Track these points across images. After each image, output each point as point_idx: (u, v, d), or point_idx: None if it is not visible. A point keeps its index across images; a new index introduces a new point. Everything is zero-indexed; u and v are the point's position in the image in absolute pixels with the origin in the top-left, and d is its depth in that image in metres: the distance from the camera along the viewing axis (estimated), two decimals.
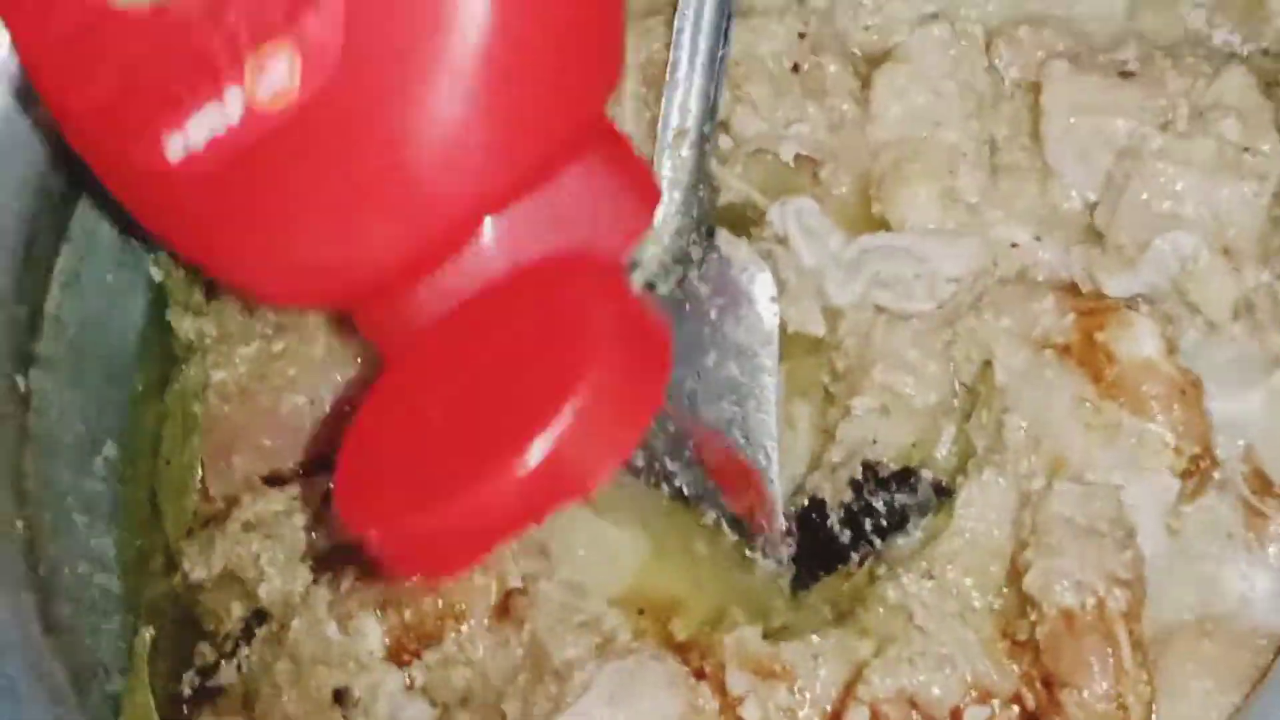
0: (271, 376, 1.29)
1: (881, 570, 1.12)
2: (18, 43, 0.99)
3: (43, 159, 1.27)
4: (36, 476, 1.27)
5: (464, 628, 1.17)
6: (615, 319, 0.90)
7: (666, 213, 1.19)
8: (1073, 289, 1.13)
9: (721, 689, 1.11)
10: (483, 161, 0.92)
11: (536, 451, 0.85)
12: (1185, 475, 1.07)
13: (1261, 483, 1.08)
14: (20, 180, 1.26)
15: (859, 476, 1.15)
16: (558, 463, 0.86)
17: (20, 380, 1.27)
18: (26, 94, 1.23)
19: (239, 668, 1.22)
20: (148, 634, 1.26)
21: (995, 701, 1.06)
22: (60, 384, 1.31)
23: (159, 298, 1.36)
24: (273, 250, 0.96)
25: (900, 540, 1.13)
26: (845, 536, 1.15)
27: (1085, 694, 1.02)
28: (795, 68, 1.22)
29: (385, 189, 0.91)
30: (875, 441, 1.15)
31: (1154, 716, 1.03)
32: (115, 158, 0.98)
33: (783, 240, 1.19)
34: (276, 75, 0.88)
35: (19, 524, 1.23)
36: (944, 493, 1.12)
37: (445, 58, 0.88)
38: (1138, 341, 1.09)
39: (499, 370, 0.93)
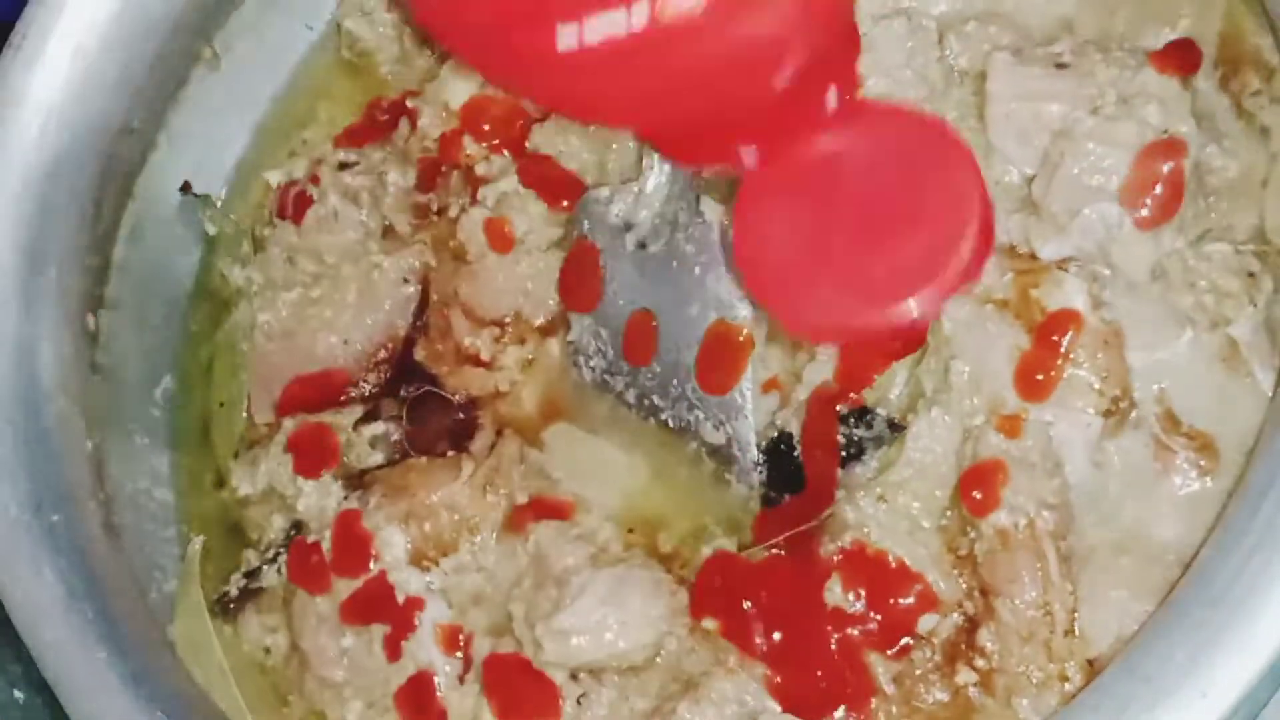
0: (309, 319, 1.29)
1: (840, 494, 1.11)
2: None
3: (111, 131, 1.27)
4: (104, 404, 1.27)
5: (477, 539, 1.18)
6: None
7: (658, 182, 1.19)
8: (1011, 251, 1.12)
9: None
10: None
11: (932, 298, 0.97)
12: (1107, 414, 1.06)
13: (1171, 422, 1.07)
14: (91, 150, 1.26)
15: None
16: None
17: (91, 320, 1.27)
18: (93, 76, 1.24)
19: (279, 571, 1.23)
20: (199, 541, 1.27)
21: (941, 608, 1.06)
22: (125, 323, 1.31)
23: (212, 249, 1.36)
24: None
25: (858, 469, 1.12)
26: None
27: (1017, 602, 1.03)
28: None
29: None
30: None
31: (1076, 622, 1.03)
32: (494, 36, 0.93)
33: None
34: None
35: (89, 444, 1.23)
36: (896, 428, 1.12)
37: None
38: (1067, 297, 1.08)
39: (881, 196, 1.02)
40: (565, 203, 1.23)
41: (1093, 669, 1.02)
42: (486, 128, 1.25)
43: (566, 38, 0.88)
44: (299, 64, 1.43)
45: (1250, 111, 1.13)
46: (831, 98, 1.00)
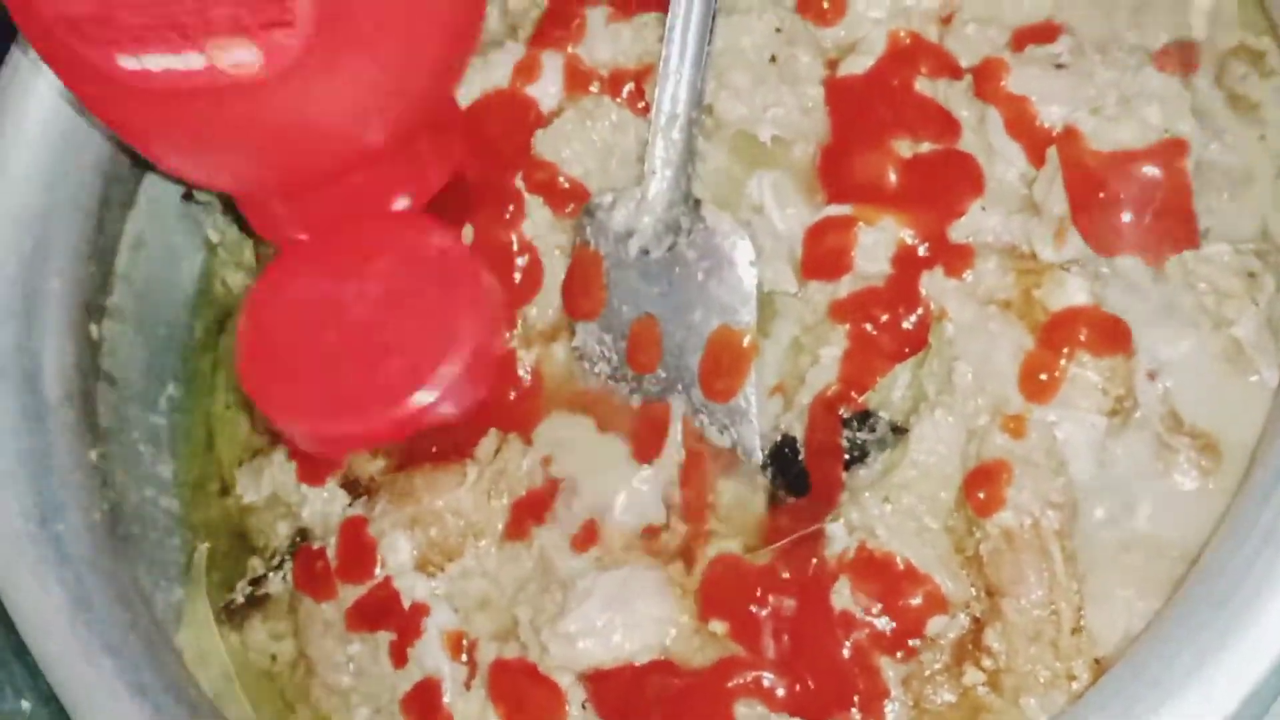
0: None
1: (845, 497, 1.11)
2: None
3: (112, 141, 1.26)
4: (108, 413, 1.27)
5: (482, 544, 1.17)
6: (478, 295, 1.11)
7: (659, 188, 1.19)
8: (1013, 252, 1.12)
9: None
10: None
11: (428, 394, 1.07)
12: (1111, 414, 1.06)
13: (1174, 422, 1.07)
14: (93, 159, 1.26)
15: None
16: (442, 399, 1.07)
17: (94, 329, 1.27)
18: None
19: (285, 579, 1.23)
20: (205, 549, 1.28)
21: (949, 609, 1.05)
22: (128, 332, 1.31)
23: (214, 256, 1.36)
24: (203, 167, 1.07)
25: (861, 471, 1.12)
26: None
27: (1023, 602, 1.02)
28: (773, 59, 1.21)
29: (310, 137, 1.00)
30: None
31: (1082, 621, 1.03)
32: (70, 53, 0.97)
33: (759, 209, 1.18)
34: (240, 55, 0.89)
35: (93, 454, 1.23)
36: (899, 431, 1.11)
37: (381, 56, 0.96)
38: (1070, 298, 1.08)
39: (384, 305, 1.10)
40: (570, 208, 1.22)
41: (1100, 667, 1.01)
42: (489, 133, 1.25)
43: (128, 61, 0.92)
44: None
45: (1241, 94, 1.13)
46: (401, 203, 1.11)
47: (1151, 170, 1.08)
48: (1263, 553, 0.90)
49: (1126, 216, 1.09)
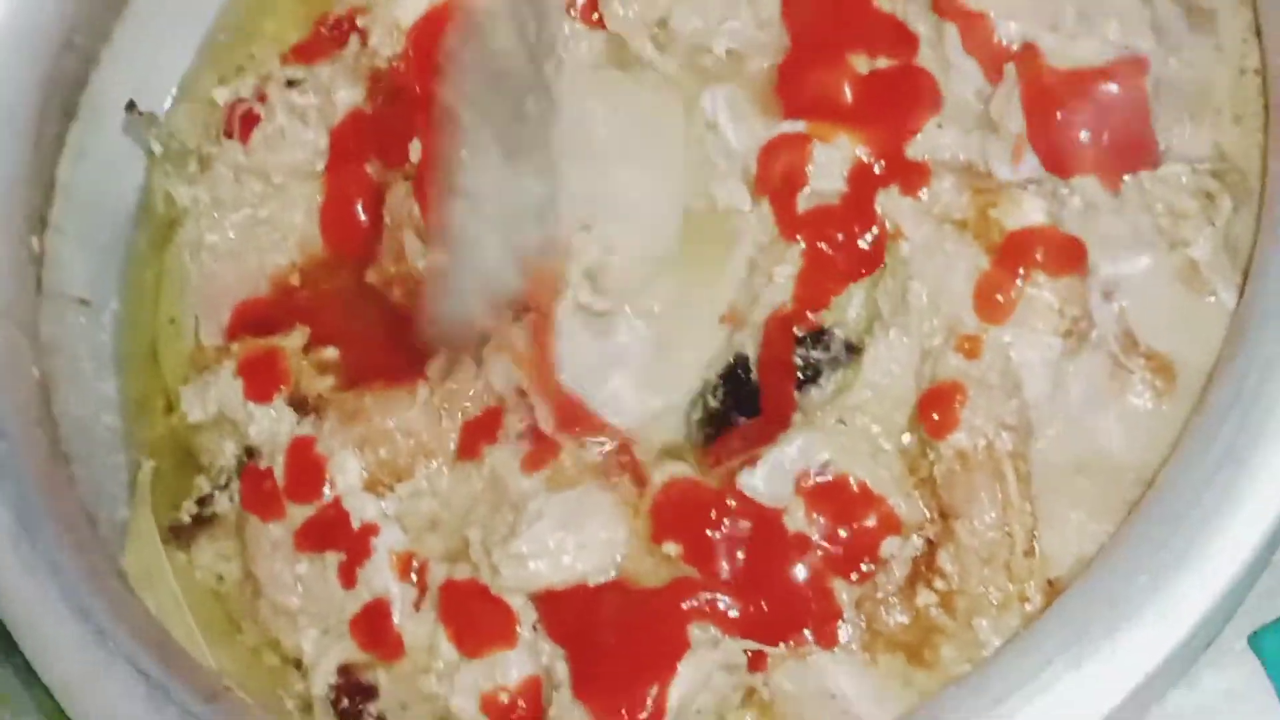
0: (258, 239, 1.27)
1: (798, 418, 1.10)
2: None
3: (52, 47, 1.24)
4: (50, 329, 1.25)
5: (433, 464, 1.16)
6: None
7: None
8: (969, 170, 1.11)
9: None
10: None
11: None
12: (1066, 335, 1.05)
13: (1129, 342, 1.06)
14: (32, 65, 1.24)
15: None
16: None
17: (35, 242, 1.25)
18: None
19: (231, 498, 1.21)
20: (150, 467, 1.26)
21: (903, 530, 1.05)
22: (70, 245, 1.29)
23: (157, 168, 1.33)
24: None
25: (814, 392, 1.11)
26: None
27: (976, 523, 1.02)
28: None
29: None
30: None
31: (1036, 544, 1.02)
32: None
33: (712, 126, 1.17)
34: None
35: (35, 371, 1.21)
36: (853, 350, 1.10)
37: None
38: (1026, 217, 1.06)
39: None
40: None
41: (1053, 589, 1.01)
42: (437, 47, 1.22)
43: None
44: None
45: (1196, 4, 1.11)
46: None
47: (1110, 88, 1.07)
48: (1220, 472, 0.90)
49: (1084, 135, 1.07)
